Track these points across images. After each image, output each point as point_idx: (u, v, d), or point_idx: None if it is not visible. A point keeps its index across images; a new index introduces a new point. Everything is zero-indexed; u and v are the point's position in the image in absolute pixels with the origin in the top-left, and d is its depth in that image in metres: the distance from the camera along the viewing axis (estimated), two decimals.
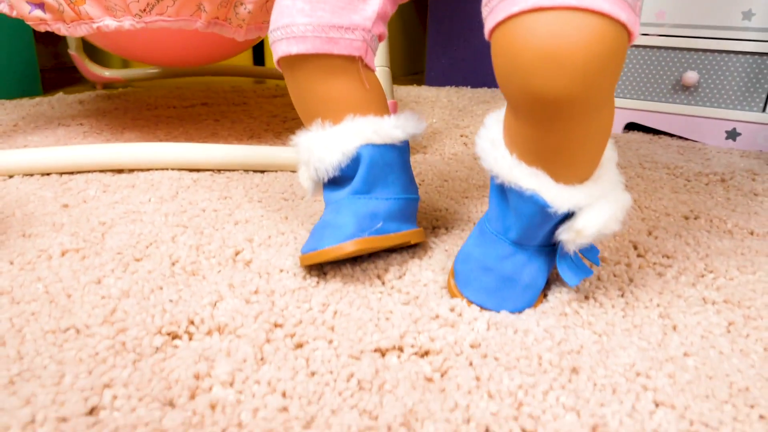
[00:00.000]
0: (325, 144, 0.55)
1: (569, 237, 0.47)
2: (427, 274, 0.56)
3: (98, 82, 1.59)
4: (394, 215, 0.57)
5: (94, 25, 0.79)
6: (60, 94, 1.43)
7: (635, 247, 0.64)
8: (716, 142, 1.13)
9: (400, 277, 0.56)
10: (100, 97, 1.43)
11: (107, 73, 1.58)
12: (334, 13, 0.53)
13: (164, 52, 1.07)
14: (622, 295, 0.54)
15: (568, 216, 0.47)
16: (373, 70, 0.58)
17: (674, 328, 0.49)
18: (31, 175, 0.81)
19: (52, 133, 1.05)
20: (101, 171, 0.83)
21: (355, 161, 0.55)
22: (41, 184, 0.77)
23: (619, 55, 0.39)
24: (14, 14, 0.79)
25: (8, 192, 0.74)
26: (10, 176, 0.80)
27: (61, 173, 0.82)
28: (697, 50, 1.12)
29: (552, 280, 0.56)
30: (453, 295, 0.52)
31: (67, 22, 0.79)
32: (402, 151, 0.58)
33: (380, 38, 0.57)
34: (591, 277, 0.55)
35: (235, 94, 1.52)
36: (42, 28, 0.80)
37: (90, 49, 1.72)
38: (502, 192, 0.50)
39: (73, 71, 1.82)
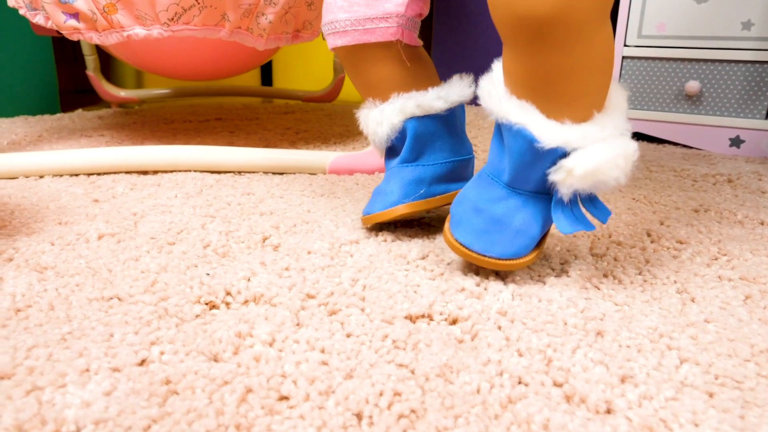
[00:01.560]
0: (376, 120, 0.61)
1: (560, 177, 0.46)
2: (450, 254, 0.58)
3: (114, 102, 1.63)
4: (441, 177, 0.62)
5: (125, 34, 0.83)
6: (79, 111, 1.47)
7: (648, 234, 0.66)
8: (720, 149, 1.16)
9: (423, 257, 0.58)
10: (118, 113, 1.47)
11: (123, 93, 1.62)
12: (369, 5, 0.58)
13: (186, 65, 1.11)
14: (640, 273, 0.56)
15: (564, 157, 0.46)
16: (417, 46, 0.62)
17: (693, 300, 0.51)
18: (60, 175, 0.84)
19: (76, 143, 1.08)
20: (127, 172, 0.86)
21: (402, 134, 0.61)
22: (71, 183, 0.80)
23: None
24: (50, 24, 0.83)
25: (40, 189, 0.77)
26: (41, 176, 0.83)
27: (89, 174, 0.84)
28: (698, 60, 1.15)
29: (572, 256, 0.58)
30: (445, 238, 0.52)
31: (99, 30, 0.83)
32: (447, 118, 0.62)
33: (421, 16, 0.61)
34: (592, 230, 0.52)
35: (247, 110, 1.56)
36: (75, 37, 0.84)
37: (105, 70, 1.77)
38: (500, 132, 0.50)
39: (89, 93, 1.86)
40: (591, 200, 0.49)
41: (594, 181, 0.45)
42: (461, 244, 0.50)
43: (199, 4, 0.83)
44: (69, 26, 0.82)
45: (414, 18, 0.60)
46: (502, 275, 0.54)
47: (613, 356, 0.41)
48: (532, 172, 0.48)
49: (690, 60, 1.16)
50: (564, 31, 0.41)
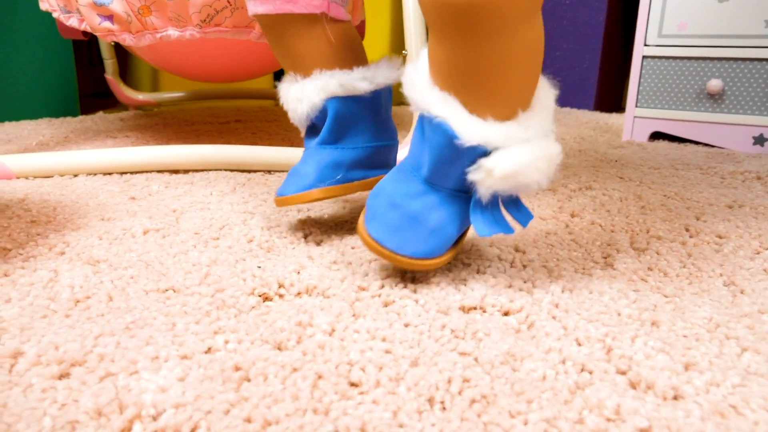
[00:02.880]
0: (297, 96, 0.58)
1: (479, 177, 0.44)
2: (491, 250, 0.58)
3: (131, 105, 1.65)
4: (361, 162, 0.59)
5: (158, 35, 0.84)
6: (100, 113, 1.48)
7: (687, 229, 0.66)
8: (744, 148, 1.16)
9: (466, 252, 0.58)
10: (138, 115, 1.48)
11: (140, 96, 1.64)
12: None
13: (212, 67, 1.12)
14: (684, 267, 0.56)
15: (484, 156, 0.44)
16: (343, 22, 0.59)
17: (742, 292, 0.51)
18: (94, 174, 0.84)
19: (102, 143, 1.09)
20: (159, 171, 0.86)
21: (323, 113, 0.57)
22: (106, 181, 0.80)
23: None
24: (84, 26, 0.84)
25: (77, 187, 0.78)
26: (75, 175, 0.84)
27: (122, 173, 0.85)
28: (720, 59, 1.16)
29: (613, 250, 0.58)
30: (359, 233, 0.49)
31: (133, 32, 0.83)
32: (371, 101, 0.59)
33: None
34: (516, 229, 0.52)
35: (266, 112, 1.57)
36: (109, 39, 0.84)
37: (122, 73, 1.78)
38: (420, 123, 0.47)
39: (106, 97, 1.87)
40: (513, 202, 0.47)
41: (514, 183, 0.43)
42: (374, 240, 0.47)
43: (231, 5, 0.84)
44: (103, 28, 0.83)
45: None
46: (548, 269, 0.54)
47: (673, 345, 0.41)
48: (451, 169, 0.45)
49: (712, 59, 1.16)
50: (488, 21, 0.39)
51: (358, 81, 0.57)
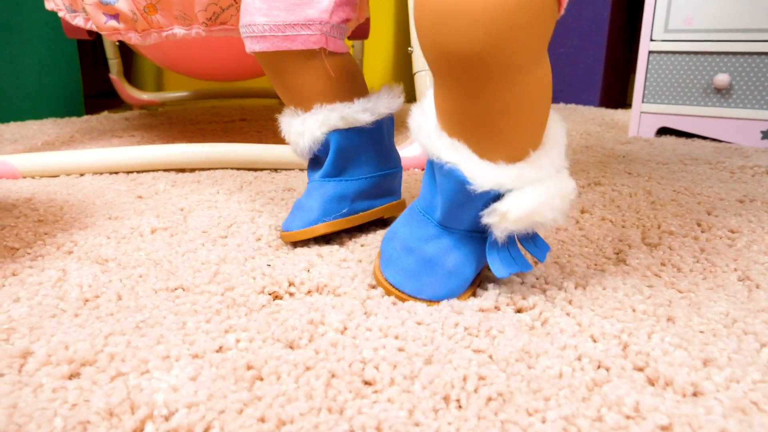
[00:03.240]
0: (298, 130, 0.57)
1: (493, 220, 0.43)
2: None
3: (136, 105, 1.64)
4: (366, 193, 0.59)
5: (164, 34, 0.83)
6: (105, 113, 1.48)
7: (698, 224, 0.65)
8: (752, 142, 1.15)
9: None
10: (143, 115, 1.48)
11: (145, 96, 1.63)
12: (289, 10, 0.53)
13: (217, 65, 1.11)
14: (698, 262, 0.55)
15: (497, 198, 0.43)
16: (343, 54, 0.58)
17: (758, 286, 0.50)
18: (100, 173, 0.84)
19: (108, 143, 1.09)
20: (165, 170, 0.86)
21: (325, 146, 0.57)
22: (112, 180, 0.80)
23: (536, 12, 0.36)
24: (89, 25, 0.83)
25: (84, 186, 0.77)
26: (81, 174, 0.83)
27: (128, 172, 0.85)
28: (727, 53, 1.15)
29: (625, 246, 0.57)
30: (375, 277, 0.49)
31: (138, 31, 0.83)
32: (373, 131, 0.58)
33: (347, 21, 0.57)
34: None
35: (270, 111, 1.56)
36: (115, 38, 0.84)
37: (126, 73, 1.78)
38: (430, 167, 0.47)
39: (111, 97, 1.87)
40: (530, 238, 0.46)
41: (529, 222, 0.43)
42: (392, 285, 0.47)
43: (236, 3, 0.83)
44: (109, 27, 0.82)
45: (340, 24, 0.55)
46: (560, 266, 0.54)
47: (690, 341, 0.41)
48: (464, 212, 0.44)
49: (719, 53, 1.15)
50: (495, 70, 0.38)
51: (359, 113, 0.56)
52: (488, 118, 0.41)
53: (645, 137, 1.24)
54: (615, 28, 1.76)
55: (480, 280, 0.49)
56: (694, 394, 0.35)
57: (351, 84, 0.58)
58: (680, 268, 0.54)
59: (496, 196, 0.43)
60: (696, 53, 1.18)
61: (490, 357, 0.38)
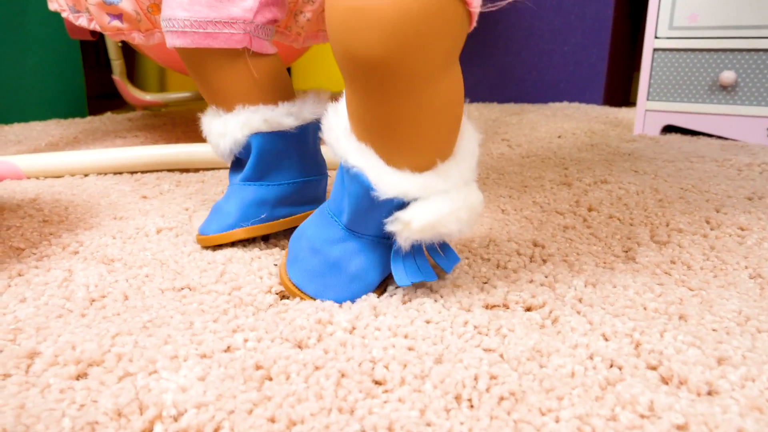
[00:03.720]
0: (218, 131, 0.55)
1: (396, 228, 0.42)
2: (509, 245, 0.57)
3: (139, 106, 1.64)
4: (287, 199, 0.57)
5: None
6: (109, 114, 1.48)
7: (707, 222, 0.65)
8: (758, 140, 1.14)
9: (485, 246, 0.57)
10: (147, 115, 1.48)
11: (148, 97, 1.63)
12: (212, 6, 0.51)
13: None
14: (708, 259, 0.55)
15: (402, 207, 0.42)
16: (269, 55, 0.55)
17: None
18: (105, 174, 0.84)
19: (112, 143, 1.09)
20: (169, 170, 0.86)
21: (246, 149, 0.55)
22: (117, 181, 0.80)
23: (442, 23, 0.36)
24: (93, 25, 0.83)
25: (88, 187, 0.77)
26: (86, 175, 0.83)
27: (132, 172, 0.84)
28: (732, 50, 1.14)
29: (634, 243, 0.57)
30: (280, 276, 0.48)
31: (142, 30, 0.83)
32: (298, 136, 0.56)
33: (274, 22, 0.55)
34: (453, 271, 0.50)
35: None
36: (118, 38, 0.84)
37: (129, 74, 1.78)
38: (341, 169, 0.46)
39: (114, 98, 1.87)
40: (438, 247, 0.46)
41: (433, 233, 0.42)
42: (294, 285, 0.46)
43: None
44: (113, 27, 0.82)
45: (266, 25, 0.54)
46: (569, 264, 0.53)
47: (703, 339, 0.40)
48: (369, 218, 0.44)
49: (724, 50, 1.15)
50: (400, 77, 0.37)
51: (283, 117, 0.54)
52: (395, 124, 0.40)
53: (650, 135, 1.24)
54: (618, 26, 1.76)
55: (386, 285, 0.48)
56: (709, 393, 0.35)
57: (276, 86, 0.56)
58: (690, 265, 0.53)
59: (401, 204, 0.42)
60: (701, 50, 1.17)
61: (501, 356, 0.38)
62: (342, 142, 0.42)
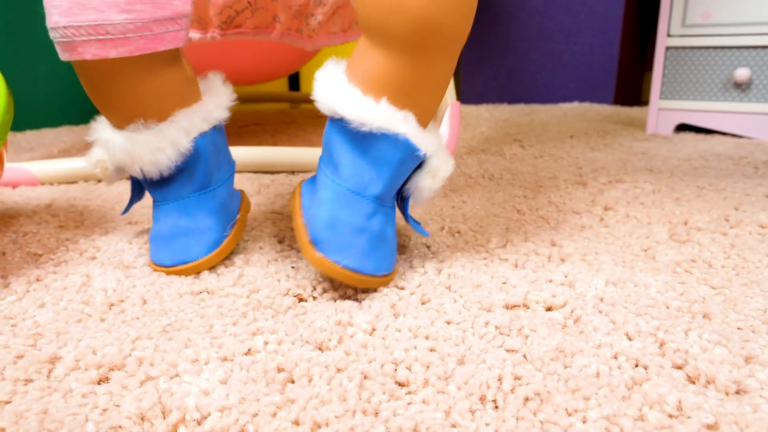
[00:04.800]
0: (154, 146, 0.48)
1: (426, 182, 0.47)
2: (527, 245, 0.57)
3: None
4: (231, 193, 0.55)
5: None
6: None
7: (726, 220, 0.64)
8: None
9: (503, 246, 0.56)
10: None
11: None
12: (156, 4, 0.44)
13: (232, 68, 1.11)
14: (729, 258, 0.54)
15: (421, 165, 0.48)
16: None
17: None
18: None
19: None
20: None
21: (192, 156, 0.50)
22: (129, 186, 0.80)
23: None
24: None
25: (102, 192, 0.77)
26: (99, 180, 0.83)
27: None
28: (747, 47, 1.13)
29: (652, 242, 0.56)
30: (324, 270, 0.45)
31: None
32: (222, 128, 0.55)
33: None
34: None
35: (283, 115, 1.56)
36: None
37: None
38: (357, 144, 0.45)
39: None
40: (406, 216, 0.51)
41: (441, 184, 0.48)
42: (351, 270, 0.44)
43: (251, 6, 0.83)
44: None
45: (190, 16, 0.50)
46: (588, 263, 0.53)
47: (729, 338, 0.39)
48: (402, 180, 0.47)
49: (738, 47, 1.14)
50: (449, 39, 0.43)
51: (216, 110, 0.51)
52: (432, 86, 0.45)
53: (663, 134, 1.23)
54: (628, 25, 1.75)
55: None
56: (738, 392, 0.34)
57: (196, 83, 0.52)
58: (711, 264, 0.52)
59: (423, 161, 0.47)
60: (715, 48, 1.16)
61: (525, 356, 0.38)
62: (388, 115, 0.44)
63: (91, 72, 0.47)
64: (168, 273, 0.49)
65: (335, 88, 0.45)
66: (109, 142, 0.49)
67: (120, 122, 0.49)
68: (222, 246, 0.51)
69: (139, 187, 0.55)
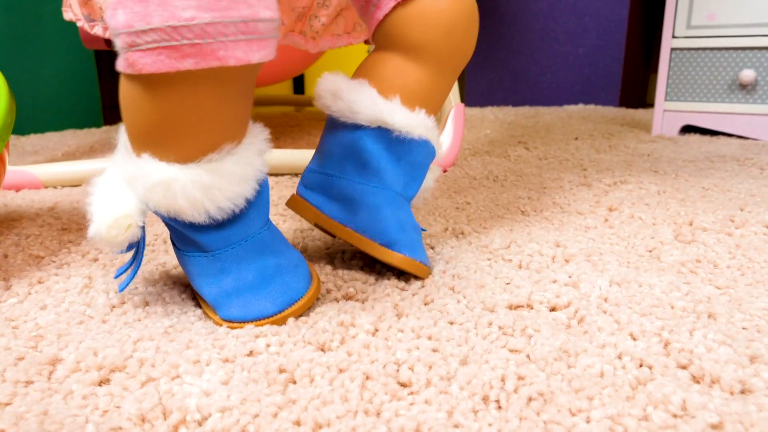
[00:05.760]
0: (240, 174, 0.39)
1: (430, 182, 0.53)
2: (531, 245, 0.56)
3: None
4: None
5: None
6: None
7: (731, 220, 0.63)
8: None
9: (506, 247, 0.56)
10: None
11: None
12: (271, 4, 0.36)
13: None
14: (734, 258, 0.53)
15: None
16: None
17: None
18: None
19: None
20: None
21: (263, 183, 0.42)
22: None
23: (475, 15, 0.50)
24: (107, 34, 0.84)
25: None
26: None
27: None
28: (752, 48, 1.12)
29: (657, 243, 0.56)
30: (409, 268, 0.47)
31: None
32: None
33: None
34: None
35: (286, 118, 1.56)
36: None
37: None
38: (392, 151, 0.47)
39: None
40: None
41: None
42: (425, 264, 0.49)
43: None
44: None
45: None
46: (592, 263, 0.52)
47: (734, 337, 0.39)
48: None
49: (743, 48, 1.13)
50: (470, 54, 0.51)
51: (265, 142, 0.42)
52: (445, 94, 0.51)
53: (669, 135, 1.22)
54: (633, 27, 1.74)
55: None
56: (743, 392, 0.34)
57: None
58: (717, 264, 0.52)
59: None
60: (720, 49, 1.16)
61: (528, 357, 0.37)
62: (423, 122, 0.48)
63: (182, 89, 0.35)
64: (273, 323, 0.41)
65: (375, 100, 0.46)
66: (174, 183, 0.37)
67: (192, 153, 0.38)
68: (314, 272, 0.45)
69: (140, 251, 0.43)
